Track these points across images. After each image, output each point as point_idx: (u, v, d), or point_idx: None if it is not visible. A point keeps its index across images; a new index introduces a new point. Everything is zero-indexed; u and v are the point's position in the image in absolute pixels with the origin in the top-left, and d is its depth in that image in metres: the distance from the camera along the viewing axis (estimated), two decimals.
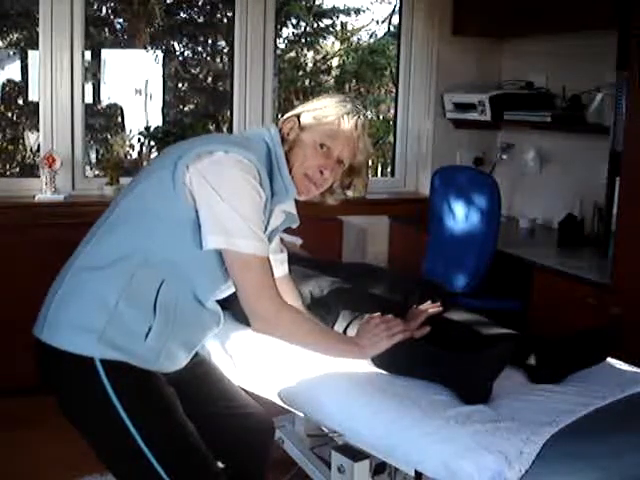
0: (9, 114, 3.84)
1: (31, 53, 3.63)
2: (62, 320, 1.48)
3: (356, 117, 1.63)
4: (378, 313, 1.74)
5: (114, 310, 1.45)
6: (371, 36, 5.08)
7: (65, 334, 1.46)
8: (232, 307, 1.76)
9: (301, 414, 1.94)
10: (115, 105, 4.08)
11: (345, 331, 1.93)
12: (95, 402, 1.46)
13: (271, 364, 1.96)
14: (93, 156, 3.94)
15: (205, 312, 1.58)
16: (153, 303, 1.47)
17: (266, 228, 1.59)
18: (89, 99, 3.80)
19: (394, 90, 4.15)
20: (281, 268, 1.85)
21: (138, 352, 1.48)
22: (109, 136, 4.12)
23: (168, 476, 1.45)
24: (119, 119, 4.12)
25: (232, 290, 1.61)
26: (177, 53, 4.27)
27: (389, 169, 4.13)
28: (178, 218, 1.48)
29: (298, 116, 1.63)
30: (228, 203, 1.45)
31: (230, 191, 1.47)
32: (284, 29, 4.62)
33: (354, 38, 5.20)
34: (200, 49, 4.36)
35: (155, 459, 1.45)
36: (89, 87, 3.82)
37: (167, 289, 1.48)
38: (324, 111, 1.63)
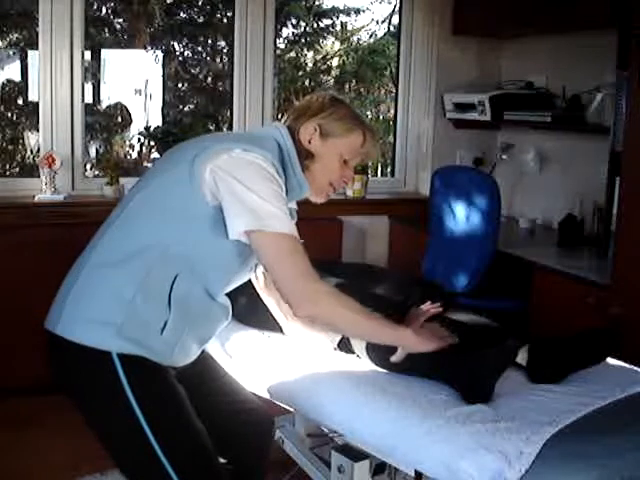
0: (9, 114, 3.84)
1: (31, 53, 3.63)
2: (79, 314, 1.48)
3: (376, 134, 1.71)
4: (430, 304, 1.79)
5: (131, 304, 1.46)
6: (371, 36, 5.08)
7: (83, 328, 1.47)
8: (233, 307, 1.76)
9: (301, 414, 1.95)
10: (118, 105, 4.08)
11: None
12: (109, 396, 1.47)
13: (271, 364, 1.96)
14: (93, 156, 3.94)
15: (216, 306, 1.59)
16: (167, 297, 1.48)
17: None
18: (89, 99, 3.80)
19: (394, 90, 4.15)
20: None
21: (154, 346, 1.49)
22: (113, 135, 4.12)
23: (176, 474, 1.46)
24: (119, 118, 4.12)
25: (241, 282, 1.65)
26: (177, 53, 4.27)
27: (389, 169, 4.13)
28: (194, 214, 1.49)
29: (320, 125, 1.64)
30: (254, 191, 1.45)
31: (254, 180, 1.47)
32: (284, 29, 4.62)
33: (354, 38, 5.20)
34: (200, 49, 4.36)
35: (164, 456, 1.45)
36: (89, 87, 3.82)
37: (180, 283, 1.48)
38: (346, 123, 1.65)
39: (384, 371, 1.80)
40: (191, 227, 1.49)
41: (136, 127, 4.08)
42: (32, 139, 3.39)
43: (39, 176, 3.22)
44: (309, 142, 1.63)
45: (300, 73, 4.80)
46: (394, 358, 1.71)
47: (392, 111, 4.29)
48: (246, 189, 1.45)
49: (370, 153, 1.72)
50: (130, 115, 4.10)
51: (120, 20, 4.02)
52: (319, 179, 1.65)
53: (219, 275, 1.57)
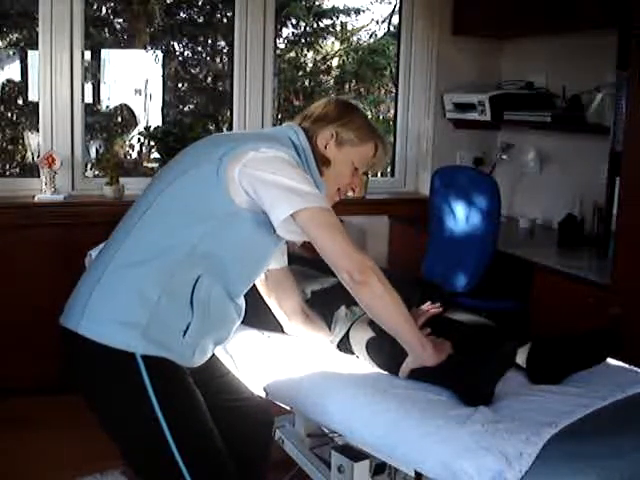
0: (9, 114, 3.84)
1: (31, 53, 3.62)
2: (104, 315, 1.49)
3: (387, 145, 1.77)
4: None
5: (156, 306, 1.47)
6: (371, 36, 5.07)
7: (108, 328, 1.47)
8: None
9: (301, 414, 1.94)
10: (121, 105, 4.09)
11: (348, 331, 1.93)
12: (132, 396, 1.48)
13: (271, 364, 1.96)
14: (93, 156, 3.94)
15: (232, 306, 1.61)
16: (190, 299, 1.50)
17: None
18: (89, 99, 3.80)
19: (394, 90, 4.15)
20: (282, 259, 1.88)
21: (176, 348, 1.51)
22: (114, 135, 4.12)
23: (190, 474, 1.47)
24: (119, 118, 4.12)
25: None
26: (177, 53, 4.26)
27: (389, 169, 4.13)
28: (220, 213, 1.51)
29: (337, 132, 1.68)
30: (288, 177, 1.49)
31: (285, 169, 1.51)
32: (284, 29, 4.61)
33: (354, 38, 5.19)
34: (200, 49, 4.35)
35: (180, 458, 1.46)
36: (89, 87, 3.82)
37: (202, 285, 1.50)
38: (361, 133, 1.70)
39: (384, 372, 1.80)
40: (216, 226, 1.51)
41: (136, 127, 4.08)
42: (32, 139, 3.39)
43: (39, 176, 3.22)
44: (325, 147, 1.67)
45: (300, 73, 4.79)
46: (401, 374, 1.74)
47: (392, 111, 4.29)
48: (281, 177, 1.48)
49: (380, 162, 1.78)
50: (135, 117, 4.10)
51: (120, 20, 4.02)
52: (330, 185, 1.69)
53: (244, 275, 1.61)
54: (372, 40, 5.06)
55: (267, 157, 1.51)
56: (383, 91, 5.02)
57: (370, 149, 1.72)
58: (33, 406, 2.91)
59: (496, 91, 3.60)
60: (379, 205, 3.87)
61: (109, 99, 4.08)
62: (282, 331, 1.99)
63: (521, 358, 1.81)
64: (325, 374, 1.85)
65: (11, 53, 3.78)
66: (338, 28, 4.97)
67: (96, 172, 3.68)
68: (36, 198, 3.18)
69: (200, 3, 4.25)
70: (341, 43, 5.11)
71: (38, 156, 3.25)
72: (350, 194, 1.80)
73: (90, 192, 3.35)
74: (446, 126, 3.90)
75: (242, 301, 1.66)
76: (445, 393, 1.66)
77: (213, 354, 1.73)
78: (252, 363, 2.00)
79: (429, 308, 1.90)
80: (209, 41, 4.36)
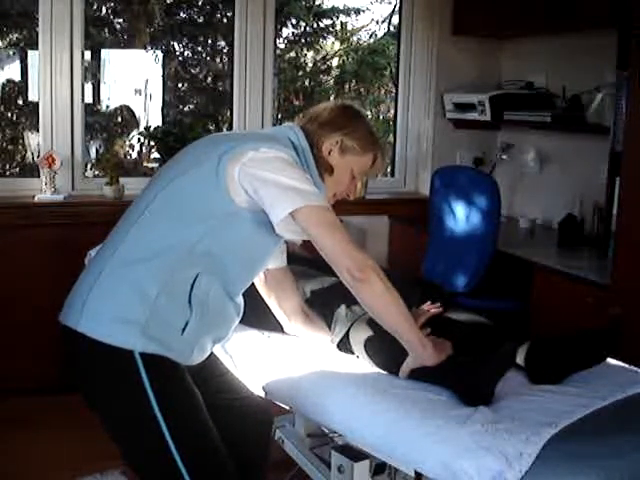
0: (9, 114, 3.84)
1: (31, 53, 3.62)
2: (103, 312, 1.49)
3: (385, 154, 1.81)
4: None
5: (155, 303, 1.47)
6: (371, 36, 5.07)
7: (107, 326, 1.47)
8: None
9: (301, 414, 1.94)
10: (121, 107, 4.09)
11: (349, 330, 1.93)
12: (130, 396, 1.48)
13: (271, 364, 1.96)
14: (93, 156, 3.94)
15: (231, 305, 1.61)
16: (188, 297, 1.50)
17: None
18: (89, 99, 3.80)
19: (394, 90, 4.15)
20: (281, 258, 1.88)
21: (175, 346, 1.51)
22: (114, 135, 4.12)
23: (189, 474, 1.47)
24: (119, 118, 4.12)
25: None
26: (177, 53, 4.26)
27: (389, 169, 4.12)
28: (220, 213, 1.51)
29: (342, 140, 1.68)
30: (288, 176, 1.50)
31: (285, 168, 1.51)
32: (284, 29, 4.61)
33: (354, 38, 5.19)
34: (200, 49, 4.35)
35: (179, 456, 1.46)
36: (89, 87, 3.82)
37: (200, 283, 1.50)
38: (363, 143, 1.71)
39: (384, 372, 1.80)
40: (215, 225, 1.51)
41: (137, 128, 4.08)
42: (32, 139, 3.39)
43: (39, 176, 3.22)
44: (329, 154, 1.68)
45: (300, 73, 4.79)
46: (401, 374, 1.74)
47: (392, 111, 4.29)
48: (281, 176, 1.49)
49: (376, 171, 1.80)
50: (135, 117, 4.10)
51: (120, 20, 4.02)
52: (328, 190, 1.70)
53: (241, 273, 1.61)
54: (372, 40, 5.06)
55: (267, 157, 1.52)
56: (383, 91, 5.02)
57: (370, 159, 1.73)
58: (33, 406, 2.91)
59: (496, 91, 3.60)
60: (379, 205, 3.87)
61: (109, 99, 4.08)
62: (282, 331, 2.00)
63: (521, 358, 1.81)
64: (325, 374, 1.85)
65: (11, 53, 3.78)
66: (338, 28, 4.97)
67: (96, 172, 3.68)
68: (36, 198, 3.17)
69: (200, 3, 4.25)
70: (341, 43, 5.11)
71: (38, 156, 3.25)
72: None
73: (90, 192, 3.35)
74: (446, 126, 3.90)
75: (241, 300, 1.66)
76: (445, 393, 1.66)
77: (212, 353, 1.73)
78: (252, 363, 2.00)
79: (429, 308, 1.90)
80: (209, 41, 4.36)
